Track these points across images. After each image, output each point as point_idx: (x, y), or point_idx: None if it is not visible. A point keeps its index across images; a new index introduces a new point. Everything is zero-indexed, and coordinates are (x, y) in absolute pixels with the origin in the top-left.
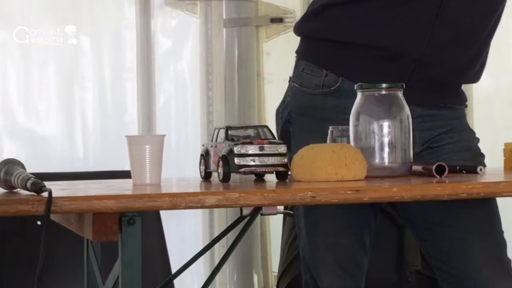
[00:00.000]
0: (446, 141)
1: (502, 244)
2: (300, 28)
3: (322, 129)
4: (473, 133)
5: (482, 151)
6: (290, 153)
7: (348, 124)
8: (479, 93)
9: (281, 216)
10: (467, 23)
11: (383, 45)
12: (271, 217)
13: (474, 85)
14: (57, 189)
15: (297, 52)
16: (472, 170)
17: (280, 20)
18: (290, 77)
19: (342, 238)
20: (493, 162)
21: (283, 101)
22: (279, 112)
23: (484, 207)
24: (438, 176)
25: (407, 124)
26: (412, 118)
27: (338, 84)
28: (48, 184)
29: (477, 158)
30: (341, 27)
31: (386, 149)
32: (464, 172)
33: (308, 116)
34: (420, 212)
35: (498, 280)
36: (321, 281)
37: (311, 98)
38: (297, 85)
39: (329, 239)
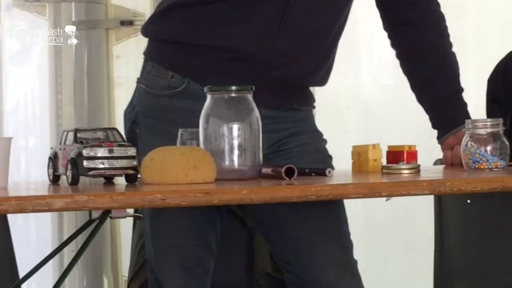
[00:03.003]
0: (293, 144)
1: (349, 245)
2: (147, 30)
3: (168, 131)
4: (320, 134)
5: None
6: (138, 155)
7: (194, 126)
8: (318, 97)
9: (131, 219)
10: (313, 25)
11: (228, 47)
12: (122, 220)
13: (316, 88)
14: None
15: (144, 53)
16: (321, 173)
17: (130, 22)
18: (138, 78)
19: (186, 240)
20: (334, 165)
21: (130, 102)
22: (127, 113)
23: (331, 209)
24: (288, 179)
25: (257, 127)
26: None
27: (183, 86)
28: None
29: (325, 160)
30: (186, 28)
31: (236, 152)
32: (313, 174)
33: (154, 117)
34: (269, 214)
35: (344, 281)
36: (166, 283)
37: (157, 99)
38: (144, 86)
39: (173, 241)
